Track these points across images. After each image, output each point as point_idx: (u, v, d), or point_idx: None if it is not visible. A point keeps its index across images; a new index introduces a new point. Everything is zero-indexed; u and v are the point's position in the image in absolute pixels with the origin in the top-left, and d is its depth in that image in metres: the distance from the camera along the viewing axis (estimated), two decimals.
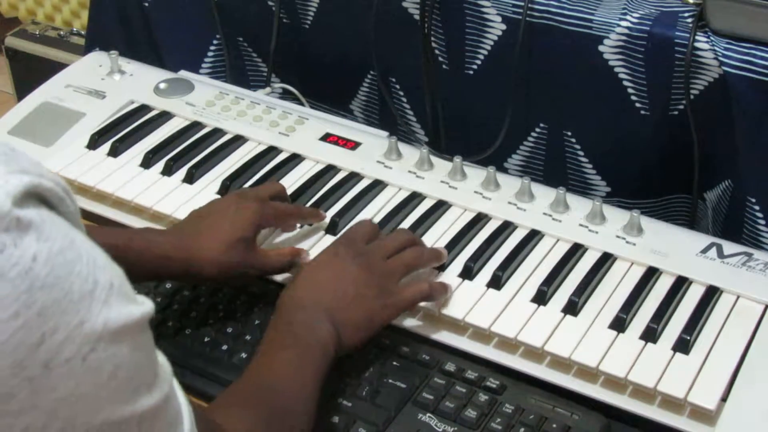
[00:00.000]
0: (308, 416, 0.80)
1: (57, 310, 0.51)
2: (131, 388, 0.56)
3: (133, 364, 0.56)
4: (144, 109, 1.27)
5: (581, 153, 1.21)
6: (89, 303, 0.53)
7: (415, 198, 1.11)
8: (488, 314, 0.95)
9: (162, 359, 0.61)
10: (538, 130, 1.22)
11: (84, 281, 0.53)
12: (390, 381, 0.89)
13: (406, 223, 1.07)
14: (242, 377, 0.82)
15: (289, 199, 1.08)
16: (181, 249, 0.94)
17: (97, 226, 1.05)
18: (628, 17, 1.10)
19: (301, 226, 1.07)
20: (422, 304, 0.95)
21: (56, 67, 1.42)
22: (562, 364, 0.92)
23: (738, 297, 0.97)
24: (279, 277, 1.01)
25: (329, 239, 1.05)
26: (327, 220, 1.08)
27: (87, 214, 1.13)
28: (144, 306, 0.58)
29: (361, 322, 0.88)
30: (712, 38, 1.05)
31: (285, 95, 1.41)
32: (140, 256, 0.93)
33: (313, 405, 0.80)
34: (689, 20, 1.07)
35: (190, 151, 1.19)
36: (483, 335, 0.95)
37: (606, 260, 1.02)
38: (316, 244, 1.05)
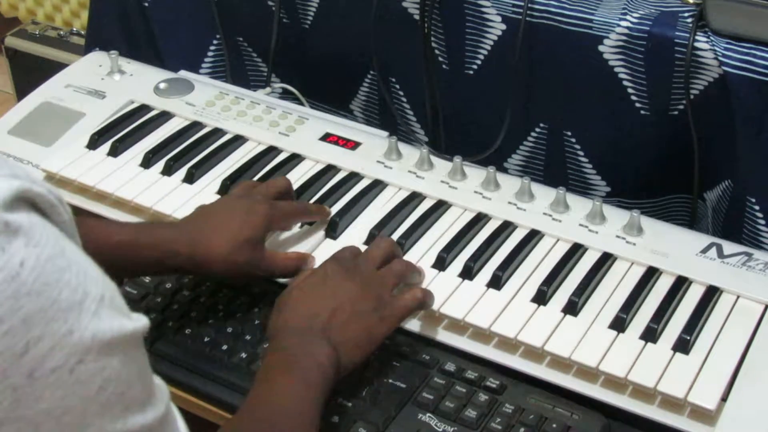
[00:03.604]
0: None
1: (43, 318, 0.50)
2: (122, 405, 0.55)
3: (124, 379, 0.54)
4: (144, 109, 1.27)
5: (581, 153, 1.21)
6: (78, 313, 0.52)
7: (415, 198, 1.11)
8: (488, 314, 0.95)
9: (159, 381, 0.60)
10: (538, 130, 1.22)
11: (73, 291, 0.52)
12: (390, 381, 0.89)
13: (407, 224, 1.07)
14: (242, 408, 0.80)
15: (295, 194, 1.08)
16: (191, 245, 0.93)
17: (103, 221, 1.05)
18: (628, 17, 1.09)
19: (301, 226, 1.07)
20: None
21: (56, 67, 1.42)
22: (562, 364, 0.91)
23: (738, 297, 0.97)
24: (281, 278, 1.01)
25: (329, 243, 1.05)
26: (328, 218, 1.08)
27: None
28: (138, 322, 0.57)
29: (360, 338, 0.86)
30: (712, 38, 1.05)
31: (285, 95, 1.41)
32: (149, 251, 0.93)
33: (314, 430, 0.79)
34: (689, 20, 1.07)
35: (190, 151, 1.19)
36: (483, 335, 0.95)
37: (606, 260, 1.02)
38: (317, 247, 1.05)
